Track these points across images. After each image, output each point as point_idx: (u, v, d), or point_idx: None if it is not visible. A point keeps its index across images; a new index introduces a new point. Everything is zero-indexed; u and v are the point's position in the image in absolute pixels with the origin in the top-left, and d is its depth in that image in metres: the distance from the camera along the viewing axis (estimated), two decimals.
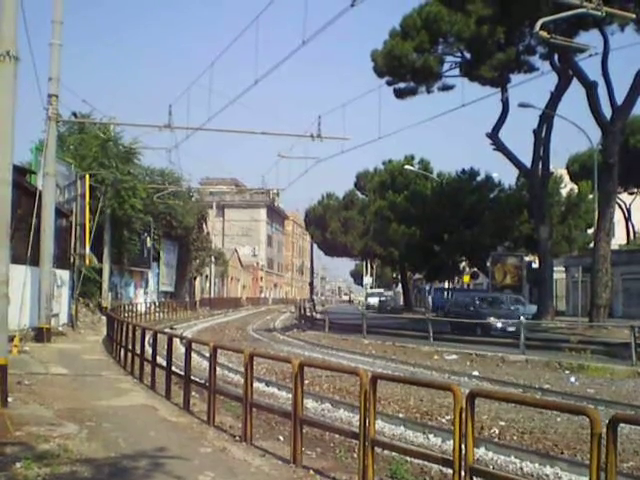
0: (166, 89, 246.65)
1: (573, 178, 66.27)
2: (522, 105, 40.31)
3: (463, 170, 59.29)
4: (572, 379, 21.54)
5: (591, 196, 51.68)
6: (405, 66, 43.94)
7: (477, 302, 38.63)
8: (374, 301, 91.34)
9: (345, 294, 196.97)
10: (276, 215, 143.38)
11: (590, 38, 37.08)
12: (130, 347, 18.79)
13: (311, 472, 9.08)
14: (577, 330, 33.13)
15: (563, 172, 66.59)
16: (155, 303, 57.08)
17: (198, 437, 10.79)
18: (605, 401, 16.21)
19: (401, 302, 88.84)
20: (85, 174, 35.22)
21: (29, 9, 14.38)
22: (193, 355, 16.08)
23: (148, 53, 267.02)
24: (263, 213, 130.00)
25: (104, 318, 35.90)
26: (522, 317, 29.87)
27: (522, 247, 57.03)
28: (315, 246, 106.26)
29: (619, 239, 67.68)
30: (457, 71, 45.55)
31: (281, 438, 11.82)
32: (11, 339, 19.43)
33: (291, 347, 32.10)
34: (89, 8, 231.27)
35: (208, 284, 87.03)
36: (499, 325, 33.91)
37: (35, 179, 32.23)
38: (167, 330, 29.04)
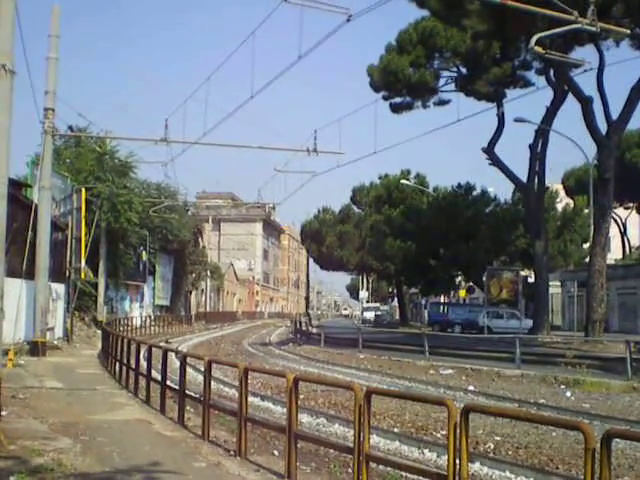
0: (162, 103, 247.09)
1: (569, 193, 66.47)
2: (518, 120, 40.39)
3: (459, 185, 59.46)
4: (568, 394, 21.51)
5: (587, 211, 51.83)
6: (401, 81, 44.10)
7: None
8: (370, 315, 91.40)
9: (345, 309, 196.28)
10: (272, 229, 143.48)
11: (585, 53, 37.33)
12: (125, 361, 18.75)
13: None
14: (573, 345, 33.08)
15: (559, 187, 66.81)
16: (150, 317, 56.94)
17: (192, 452, 10.75)
18: (600, 416, 16.18)
19: (397, 316, 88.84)
20: (81, 188, 35.20)
21: (25, 22, 14.34)
22: (188, 369, 16.02)
23: (144, 67, 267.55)
24: (259, 227, 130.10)
25: (99, 332, 35.78)
26: None
27: (518, 262, 57.10)
28: (311, 260, 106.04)
29: (615, 254, 67.86)
30: (453, 86, 45.79)
31: (276, 453, 11.78)
32: (6, 353, 19.41)
33: (287, 361, 32.03)
34: (84, 22, 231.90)
35: (204, 298, 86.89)
36: None
37: (31, 192, 32.21)
38: (162, 344, 28.99)
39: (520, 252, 55.29)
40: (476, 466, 11.03)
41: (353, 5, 18.04)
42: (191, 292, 79.31)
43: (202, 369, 12.83)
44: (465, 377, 26.26)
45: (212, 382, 12.93)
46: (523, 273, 57.67)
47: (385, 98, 46.19)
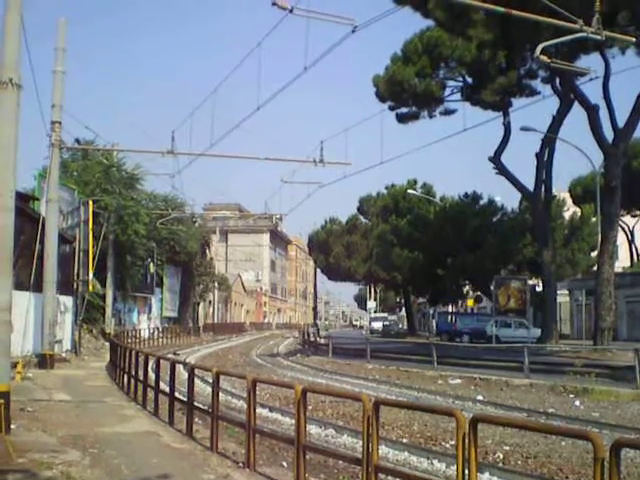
0: (169, 115, 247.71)
1: (576, 201, 66.31)
2: (524, 129, 40.43)
3: (466, 194, 59.53)
4: (577, 403, 21.42)
5: (594, 219, 51.77)
6: (407, 91, 44.22)
7: None
8: (378, 325, 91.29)
9: (355, 320, 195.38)
10: (279, 240, 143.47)
11: (591, 61, 37.34)
12: (133, 373, 18.75)
13: None
14: (581, 353, 33.00)
15: (566, 195, 66.68)
16: (158, 329, 56.95)
17: (201, 463, 10.74)
18: (610, 425, 16.10)
19: (405, 326, 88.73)
20: (88, 200, 35.30)
21: (31, 36, 14.42)
22: (196, 381, 16.03)
23: (151, 79, 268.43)
24: (266, 238, 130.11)
25: (107, 344, 35.82)
26: None
27: (526, 270, 57.02)
28: (318, 271, 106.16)
29: (622, 262, 67.63)
30: (459, 95, 45.88)
31: (284, 464, 11.75)
32: (14, 365, 19.42)
33: (295, 372, 31.98)
34: (86, 32, 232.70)
35: (211, 309, 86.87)
36: None
37: (38, 205, 32.31)
38: (170, 356, 29.00)
39: (528, 261, 55.23)
40: (485, 476, 10.98)
41: (358, 16, 18.11)
42: (199, 303, 79.35)
43: (210, 381, 12.84)
44: (474, 387, 26.17)
45: (220, 394, 12.92)
46: (531, 282, 57.57)
47: (391, 108, 46.33)
